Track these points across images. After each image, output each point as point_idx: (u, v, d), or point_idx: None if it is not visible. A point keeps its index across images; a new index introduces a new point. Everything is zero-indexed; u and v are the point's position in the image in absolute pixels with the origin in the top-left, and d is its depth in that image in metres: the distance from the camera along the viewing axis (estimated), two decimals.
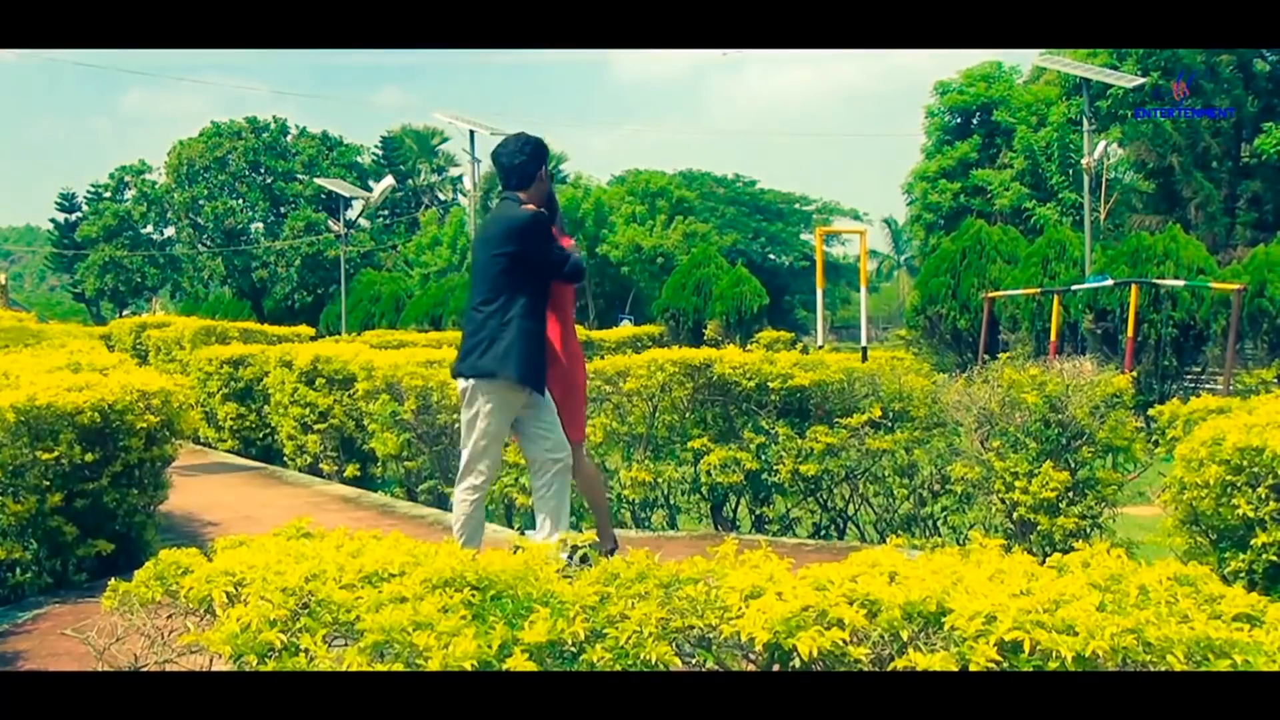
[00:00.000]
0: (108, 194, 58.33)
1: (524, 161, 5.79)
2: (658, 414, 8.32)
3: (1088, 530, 6.59)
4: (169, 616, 3.41)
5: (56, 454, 6.31)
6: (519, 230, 5.62)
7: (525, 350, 5.52)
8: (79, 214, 61.08)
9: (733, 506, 8.44)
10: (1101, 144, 27.01)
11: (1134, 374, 7.96)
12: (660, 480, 8.32)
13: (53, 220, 63.87)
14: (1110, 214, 36.95)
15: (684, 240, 49.48)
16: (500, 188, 5.98)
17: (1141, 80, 26.58)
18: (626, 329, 29.31)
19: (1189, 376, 18.74)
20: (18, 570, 6.32)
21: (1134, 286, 17.05)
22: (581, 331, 24.83)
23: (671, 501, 8.54)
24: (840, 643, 2.49)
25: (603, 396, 8.41)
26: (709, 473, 8.07)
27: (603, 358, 9.13)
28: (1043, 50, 26.78)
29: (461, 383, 5.72)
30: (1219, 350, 18.05)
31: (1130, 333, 16.71)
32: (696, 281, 31.55)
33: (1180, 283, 17.53)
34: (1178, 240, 19.30)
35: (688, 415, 8.31)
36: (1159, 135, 36.94)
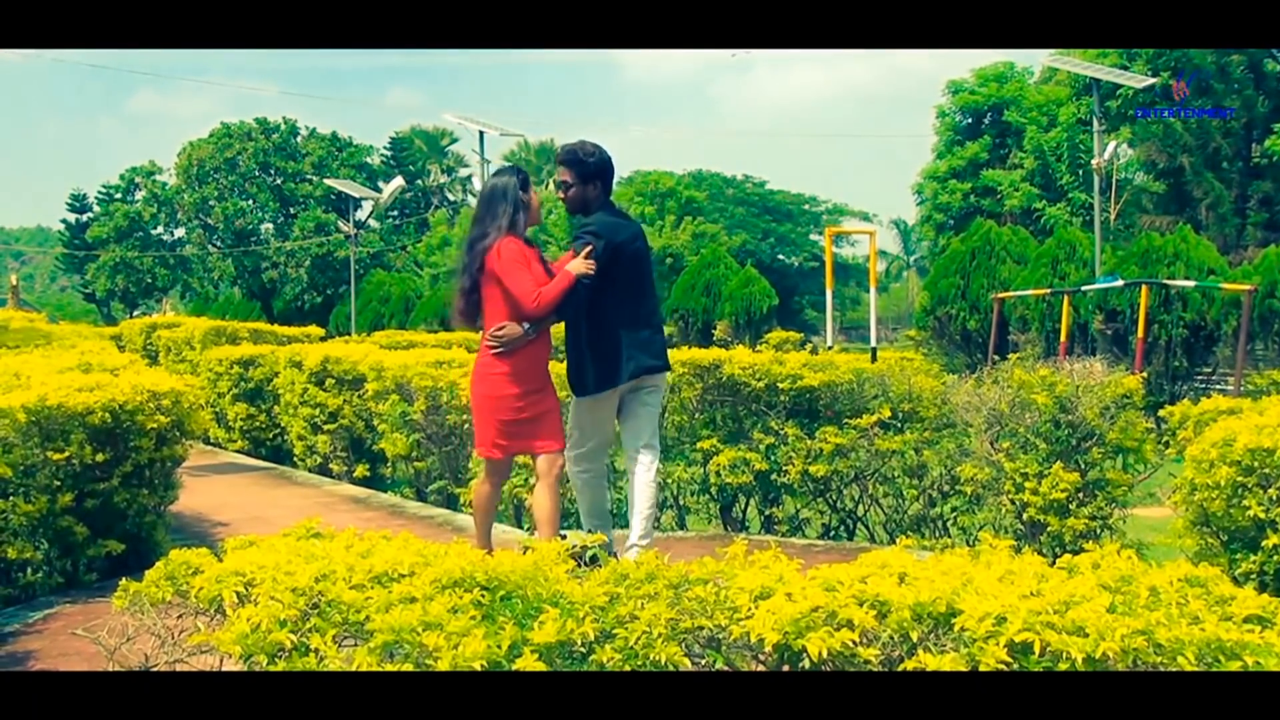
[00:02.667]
0: (118, 195, 58.41)
1: None
2: (667, 414, 8.32)
3: (1098, 531, 6.58)
4: (179, 616, 3.42)
5: (67, 454, 6.33)
6: None
7: None
8: (90, 215, 61.19)
9: (742, 507, 8.44)
10: (1112, 144, 26.98)
11: (1144, 375, 7.95)
12: (670, 480, 8.32)
13: (64, 221, 64.07)
14: (1120, 214, 36.87)
15: (693, 241, 49.48)
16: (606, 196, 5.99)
17: (1151, 80, 26.51)
18: None
19: (1199, 377, 18.67)
20: (29, 570, 6.33)
21: (1144, 287, 17.00)
22: None
23: (681, 502, 8.54)
24: (850, 644, 2.49)
25: None
26: (718, 473, 8.07)
27: None
28: (1053, 51, 26.72)
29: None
30: (1230, 351, 17.99)
31: (1141, 334, 16.67)
32: (706, 282, 31.54)
33: (1191, 283, 17.48)
34: (1188, 241, 19.24)
35: (697, 416, 8.30)
36: (1169, 136, 36.86)
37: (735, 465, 8.00)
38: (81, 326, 20.81)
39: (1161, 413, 6.57)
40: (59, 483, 6.34)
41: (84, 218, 61.82)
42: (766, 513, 8.28)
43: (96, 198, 60.47)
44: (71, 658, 5.01)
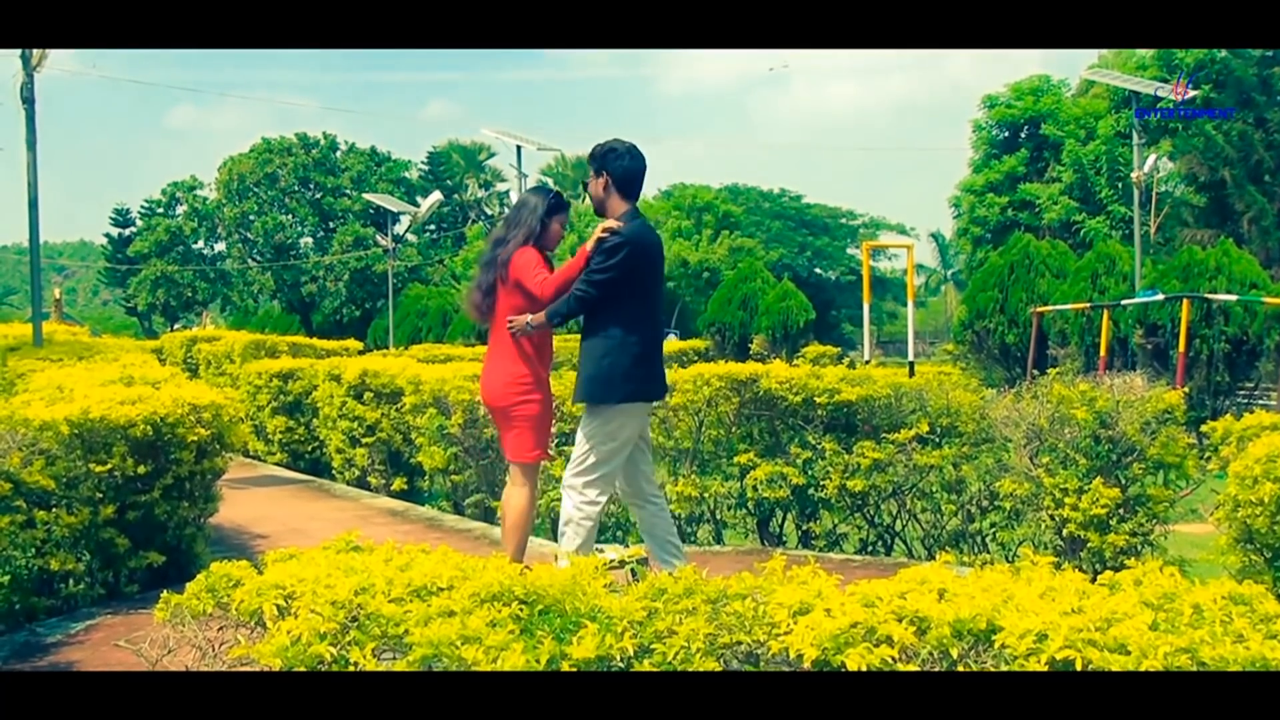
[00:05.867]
0: (160, 209, 59.07)
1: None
2: (704, 428, 8.31)
3: (1139, 548, 6.52)
4: (220, 629, 3.44)
5: (109, 466, 6.39)
6: None
7: None
8: (132, 229, 61.87)
9: (779, 522, 8.42)
10: (1152, 157, 26.75)
11: (1186, 390, 7.87)
12: (706, 495, 8.31)
13: (106, 235, 64.78)
14: (1161, 228, 36.58)
15: (730, 255, 49.47)
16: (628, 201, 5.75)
17: (1193, 93, 26.30)
18: (673, 343, 29.28)
19: (1242, 392, 18.49)
20: (71, 581, 6.39)
21: (1185, 301, 16.86)
22: None
23: (718, 516, 8.52)
24: (889, 660, 2.48)
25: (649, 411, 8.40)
26: (755, 488, 8.05)
27: None
28: (1090, 64, 26.56)
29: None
30: (1272, 366, 17.82)
31: (1182, 348, 16.52)
32: (742, 296, 31.54)
33: (1233, 297, 17.31)
34: (1230, 254, 19.06)
35: (734, 430, 8.29)
36: (1210, 148, 36.49)
37: (772, 480, 7.98)
38: (123, 340, 21.02)
39: (1203, 428, 6.50)
40: (101, 495, 6.40)
41: (126, 232, 62.52)
42: (804, 528, 8.25)
43: (139, 212, 61.17)
44: (113, 669, 5.04)
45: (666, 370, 6.00)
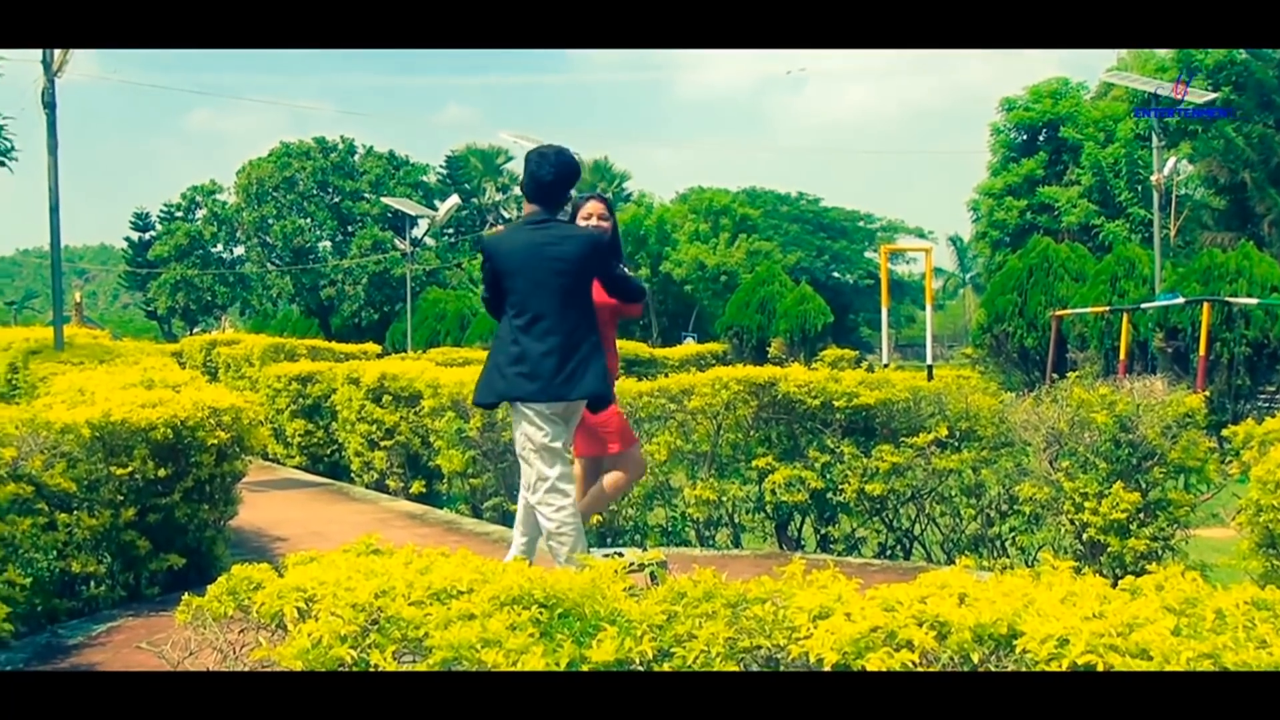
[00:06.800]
0: (179, 213, 59.31)
1: None
2: (722, 432, 8.30)
3: (1159, 552, 6.49)
4: (240, 631, 3.45)
5: (130, 469, 6.42)
6: None
7: None
8: (152, 233, 62.16)
9: (797, 525, 8.40)
10: (1171, 160, 26.67)
11: (1207, 393, 7.82)
12: (725, 499, 8.29)
13: (126, 239, 65.14)
14: (1180, 231, 36.41)
15: (747, 258, 49.49)
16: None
17: (1213, 95, 26.20)
18: (690, 347, 29.32)
19: (1263, 396, 18.38)
20: (92, 583, 6.43)
21: (1206, 304, 16.78)
22: (645, 349, 24.85)
23: (736, 520, 8.51)
24: (910, 665, 2.47)
25: (667, 414, 8.40)
26: (774, 491, 8.04)
27: (666, 376, 9.11)
28: (1109, 66, 26.48)
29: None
30: None
31: (1202, 351, 16.44)
32: (760, 299, 31.52)
33: (1254, 301, 17.22)
34: (1251, 257, 18.95)
35: (752, 433, 8.28)
36: (1230, 151, 36.37)
37: (791, 483, 7.97)
38: (144, 343, 21.12)
39: (1225, 432, 6.46)
40: (122, 497, 6.43)
41: (146, 236, 62.82)
42: (822, 531, 8.24)
43: (158, 216, 61.45)
44: (135, 670, 5.06)
45: (685, 374, 6.00)
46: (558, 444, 5.43)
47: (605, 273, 5.66)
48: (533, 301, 5.42)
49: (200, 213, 58.38)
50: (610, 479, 5.98)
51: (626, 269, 6.06)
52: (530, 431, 5.41)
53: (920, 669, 2.49)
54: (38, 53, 12.08)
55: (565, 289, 5.41)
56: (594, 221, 5.89)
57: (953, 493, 7.75)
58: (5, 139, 15.59)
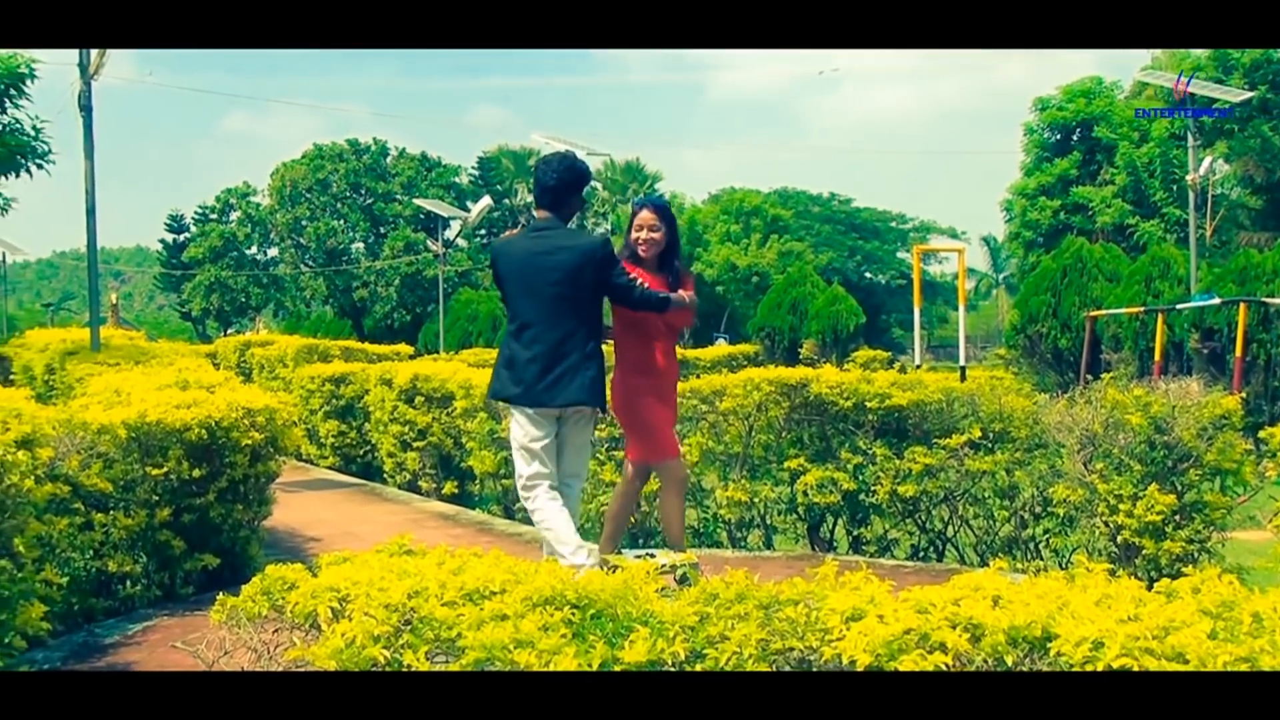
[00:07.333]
0: (214, 215, 59.71)
1: None
2: (754, 433, 8.29)
3: (1195, 555, 6.43)
4: (275, 631, 3.47)
5: (165, 469, 6.47)
6: None
7: None
8: (186, 235, 62.57)
9: (830, 527, 8.38)
10: (1207, 159, 26.43)
11: (1243, 395, 7.76)
12: (756, 500, 8.28)
13: (161, 241, 65.53)
14: (1216, 231, 36.10)
15: (779, 259, 49.45)
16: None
17: (1249, 94, 25.96)
18: (722, 348, 29.26)
19: None
20: (128, 583, 6.47)
21: (1242, 305, 16.63)
22: (677, 350, 24.82)
23: (768, 521, 8.49)
24: (943, 667, 2.46)
25: (698, 415, 8.39)
26: (805, 493, 8.02)
27: (698, 376, 9.10)
28: (1144, 65, 26.30)
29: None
30: None
31: (1239, 352, 16.30)
32: (792, 300, 31.48)
33: None
34: None
35: (784, 435, 8.26)
36: (1267, 150, 35.98)
37: (823, 485, 7.95)
38: (179, 344, 21.27)
39: (1262, 434, 6.39)
40: (157, 497, 6.48)
41: (181, 238, 63.22)
42: (854, 533, 8.21)
43: (193, 218, 61.84)
44: (170, 670, 5.10)
45: (717, 375, 6.05)
46: (537, 446, 5.66)
47: (605, 282, 5.68)
48: (523, 308, 5.64)
49: (234, 215, 58.76)
50: (662, 500, 6.23)
51: (681, 270, 6.12)
52: (514, 430, 5.76)
53: (954, 671, 2.48)
54: (74, 56, 12.21)
55: (557, 298, 5.58)
56: (645, 234, 5.95)
57: (986, 494, 7.71)
58: (43, 142, 15.78)
